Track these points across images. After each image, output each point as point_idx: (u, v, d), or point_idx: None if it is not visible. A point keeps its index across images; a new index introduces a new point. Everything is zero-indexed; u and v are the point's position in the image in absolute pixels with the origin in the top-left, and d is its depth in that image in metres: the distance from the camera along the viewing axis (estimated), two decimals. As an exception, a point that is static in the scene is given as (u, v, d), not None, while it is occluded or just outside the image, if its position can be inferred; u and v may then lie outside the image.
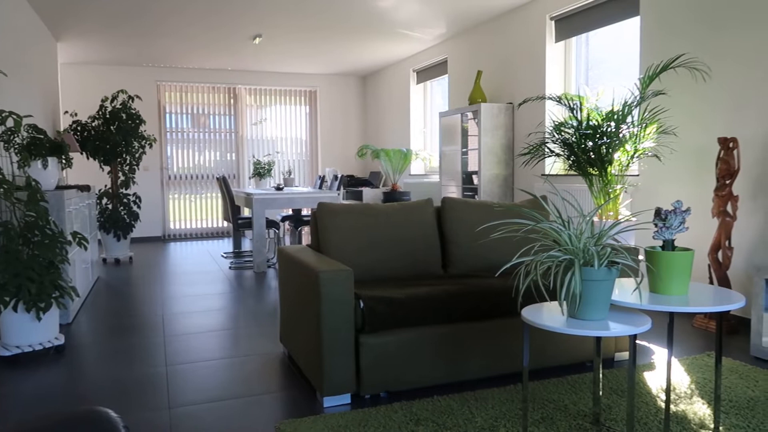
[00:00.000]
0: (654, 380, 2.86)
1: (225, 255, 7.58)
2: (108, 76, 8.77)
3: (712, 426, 2.33)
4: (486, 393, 2.70)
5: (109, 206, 7.01)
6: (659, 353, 3.30)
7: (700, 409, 2.50)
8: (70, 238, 3.96)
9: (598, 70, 5.36)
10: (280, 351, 3.46)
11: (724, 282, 3.70)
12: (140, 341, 3.69)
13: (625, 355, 3.21)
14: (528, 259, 1.96)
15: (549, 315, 1.97)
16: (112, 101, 6.81)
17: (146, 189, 9.14)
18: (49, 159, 4.10)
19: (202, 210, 9.77)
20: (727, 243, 3.66)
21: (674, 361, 3.15)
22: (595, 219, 4.02)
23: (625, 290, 2.11)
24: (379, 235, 3.22)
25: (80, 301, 4.71)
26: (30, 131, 4.06)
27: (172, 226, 9.55)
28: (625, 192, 4.46)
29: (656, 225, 2.08)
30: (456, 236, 3.38)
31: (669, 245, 2.06)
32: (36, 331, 3.36)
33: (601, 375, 2.30)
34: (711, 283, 3.80)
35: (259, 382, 2.96)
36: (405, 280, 3.09)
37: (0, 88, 4.52)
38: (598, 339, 2.21)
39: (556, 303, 2.12)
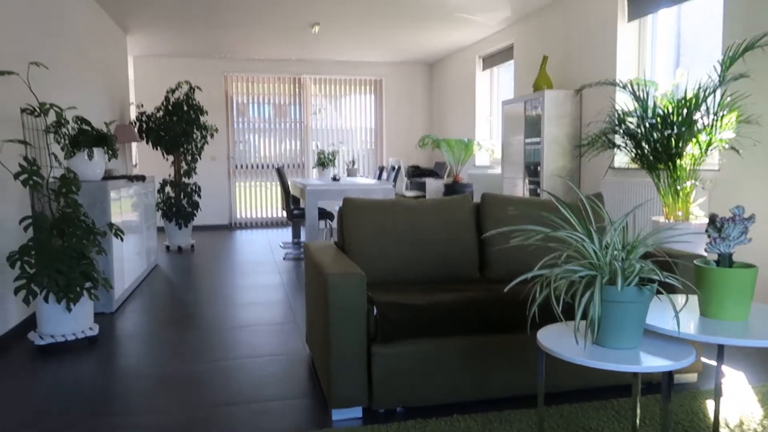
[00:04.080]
0: (721, 410, 2.45)
1: (283, 245, 7.57)
2: (179, 67, 8.97)
3: (780, 477, 1.93)
4: (512, 415, 2.41)
5: (172, 195, 7.15)
6: (731, 376, 2.85)
7: (768, 454, 2.09)
8: (106, 229, 3.98)
9: (690, 54, 4.75)
10: (308, 353, 3.30)
11: (817, 296, 3.16)
12: (174, 336, 3.65)
13: (688, 377, 2.80)
14: (545, 272, 1.66)
15: (569, 340, 1.66)
16: (173, 92, 6.91)
17: (213, 178, 9.32)
18: (95, 150, 4.14)
19: (268, 199, 9.85)
20: (820, 251, 3.13)
21: (749, 388, 2.70)
22: (660, 219, 3.57)
23: (671, 311, 1.76)
24: (409, 234, 2.98)
25: (129, 289, 4.78)
26: (78, 123, 4.11)
27: (238, 215, 9.69)
28: (702, 188, 3.94)
29: (709, 235, 1.71)
30: (495, 236, 3.07)
31: (725, 260, 1.69)
32: (69, 321, 3.39)
33: (638, 405, 1.96)
34: (800, 296, 3.26)
35: (275, 386, 2.80)
36: (433, 284, 2.83)
37: (65, 81, 4.64)
38: (637, 367, 1.87)
39: (583, 323, 1.81)
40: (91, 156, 4.08)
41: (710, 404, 2.52)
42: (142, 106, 7.13)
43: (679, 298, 1.93)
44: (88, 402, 2.65)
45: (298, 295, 4.70)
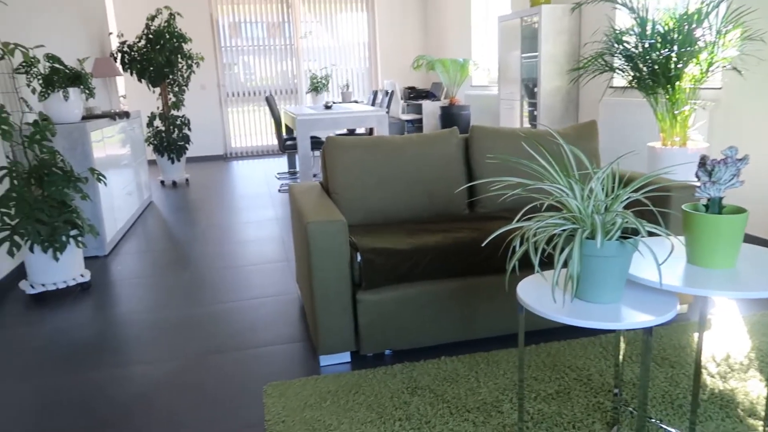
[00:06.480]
0: (708, 344, 2.44)
1: (279, 176, 7.48)
2: (158, -9, 8.53)
3: (763, 413, 1.93)
4: (500, 355, 2.41)
5: (162, 129, 6.98)
6: (722, 305, 2.83)
7: (754, 389, 2.09)
8: (87, 174, 3.89)
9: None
10: (298, 293, 3.30)
11: (815, 220, 3.09)
12: (167, 278, 3.65)
13: (677, 308, 2.77)
14: (524, 224, 1.58)
15: (550, 294, 1.61)
16: (153, 19, 6.59)
17: (205, 108, 9.09)
18: (70, 90, 3.97)
19: (263, 126, 9.65)
20: (822, 174, 3.02)
21: (739, 318, 2.69)
22: (657, 145, 3.44)
23: (659, 257, 1.69)
24: (395, 171, 2.88)
25: (123, 230, 4.75)
26: (50, 61, 3.92)
27: (233, 144, 9.53)
28: (702, 109, 3.78)
29: (699, 179, 1.61)
30: (484, 171, 2.97)
31: (715, 205, 1.60)
32: (59, 269, 3.37)
33: (623, 343, 1.93)
34: (798, 220, 3.19)
35: (266, 331, 2.81)
36: (420, 224, 2.76)
37: (31, 17, 4.38)
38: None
39: (564, 272, 1.74)
40: (66, 96, 3.92)
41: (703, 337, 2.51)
42: (122, 35, 6.82)
43: (666, 243, 1.86)
44: (80, 352, 2.66)
45: (291, 232, 4.67)
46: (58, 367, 2.54)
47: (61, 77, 3.87)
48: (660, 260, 1.66)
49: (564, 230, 1.50)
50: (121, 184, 4.84)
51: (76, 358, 2.62)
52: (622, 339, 1.91)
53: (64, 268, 3.38)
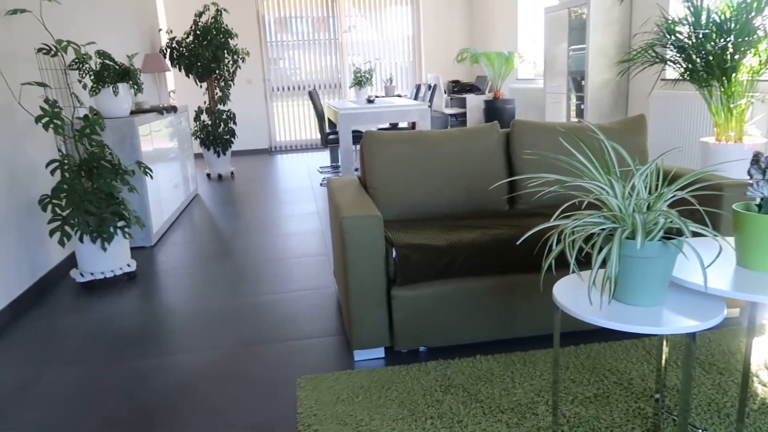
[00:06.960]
0: (759, 350, 2.32)
1: (321, 170, 7.53)
2: (207, -13, 8.69)
3: (819, 426, 1.82)
4: (537, 355, 2.35)
5: (209, 123, 7.13)
6: (776, 310, 2.69)
7: (809, 399, 1.97)
8: (134, 167, 3.99)
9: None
10: (335, 287, 3.31)
11: None
12: (210, 270, 3.72)
13: (728, 312, 2.65)
14: (561, 222, 1.52)
15: (586, 294, 1.55)
16: (200, 15, 6.72)
17: (250, 102, 9.23)
18: (120, 85, 4.09)
19: (308, 120, 9.73)
20: None
21: (794, 322, 2.55)
22: (710, 140, 3.28)
23: (706, 258, 1.61)
24: (434, 166, 2.84)
25: (169, 221, 4.87)
26: (100, 58, 4.03)
27: (278, 138, 9.65)
28: (761, 102, 3.59)
29: (751, 176, 1.52)
30: (525, 166, 2.91)
31: (768, 205, 1.51)
32: (107, 259, 3.48)
33: (666, 348, 1.85)
34: None
35: (303, 324, 2.83)
36: (458, 220, 2.72)
37: (83, 14, 4.53)
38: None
39: (601, 273, 1.68)
40: (116, 92, 4.04)
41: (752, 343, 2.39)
42: (171, 32, 6.99)
43: (715, 244, 1.77)
44: (125, 339, 2.75)
45: (329, 226, 4.69)
46: (104, 353, 2.63)
47: (111, 73, 3.99)
48: (706, 262, 1.57)
49: (603, 229, 1.44)
50: (167, 176, 4.97)
51: (121, 345, 2.70)
52: (665, 343, 1.83)
53: (111, 258, 3.49)
